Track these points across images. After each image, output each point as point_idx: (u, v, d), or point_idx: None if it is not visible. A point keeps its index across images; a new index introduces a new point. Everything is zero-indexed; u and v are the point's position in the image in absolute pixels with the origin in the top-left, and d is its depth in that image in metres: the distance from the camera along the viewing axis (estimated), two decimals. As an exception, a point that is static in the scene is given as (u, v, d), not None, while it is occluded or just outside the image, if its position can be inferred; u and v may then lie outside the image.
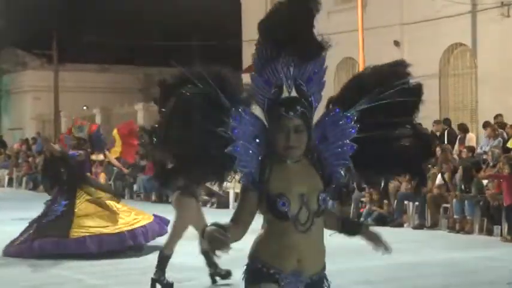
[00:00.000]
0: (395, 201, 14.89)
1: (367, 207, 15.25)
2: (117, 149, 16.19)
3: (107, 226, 10.89)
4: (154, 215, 11.77)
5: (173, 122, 3.55)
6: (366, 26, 18.04)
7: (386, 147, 3.69)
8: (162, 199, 20.23)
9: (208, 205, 18.68)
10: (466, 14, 20.28)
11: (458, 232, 13.84)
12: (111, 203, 11.39)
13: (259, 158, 3.55)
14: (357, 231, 3.86)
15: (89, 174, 11.93)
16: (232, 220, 3.67)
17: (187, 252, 11.33)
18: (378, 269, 9.76)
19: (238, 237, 3.66)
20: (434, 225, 14.51)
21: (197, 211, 8.78)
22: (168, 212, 15.62)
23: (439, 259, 10.84)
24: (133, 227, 11.02)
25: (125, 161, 18.80)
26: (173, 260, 10.51)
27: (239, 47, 29.07)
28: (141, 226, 11.12)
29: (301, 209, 3.55)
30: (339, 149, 3.67)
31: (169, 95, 3.75)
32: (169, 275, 9.46)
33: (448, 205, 14.39)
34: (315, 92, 3.76)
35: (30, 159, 27.88)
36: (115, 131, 16.70)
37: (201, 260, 10.42)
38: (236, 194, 18.23)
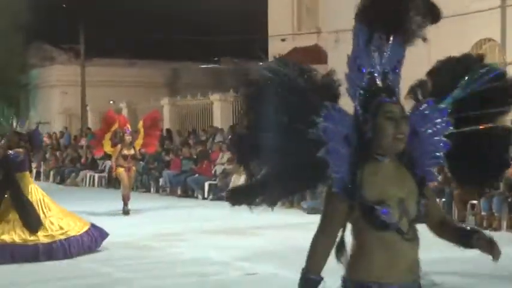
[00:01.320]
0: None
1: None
2: (139, 141, 16.30)
3: (21, 235, 9.94)
4: (92, 225, 10.90)
5: (262, 125, 3.14)
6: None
7: (480, 144, 3.31)
8: (187, 193, 20.26)
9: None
10: (495, 9, 20.08)
11: (485, 229, 13.70)
12: (44, 204, 10.49)
13: (350, 160, 3.13)
14: (473, 241, 3.36)
15: (28, 173, 11.02)
16: (322, 233, 3.29)
17: (214, 246, 11.38)
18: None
19: (329, 254, 3.34)
20: (461, 222, 14.39)
21: None
22: (193, 207, 15.76)
23: (469, 256, 10.72)
24: (53, 239, 10.04)
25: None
26: (200, 255, 10.57)
27: (265, 42, 29.03)
28: (64, 239, 10.12)
29: (402, 216, 3.14)
30: (432, 147, 3.26)
31: (256, 93, 3.24)
32: (195, 269, 9.50)
33: (475, 202, 14.27)
34: (396, 84, 3.30)
35: (57, 153, 28.07)
36: (140, 123, 16.82)
37: (227, 254, 10.46)
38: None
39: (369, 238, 3.15)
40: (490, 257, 3.32)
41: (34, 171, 27.94)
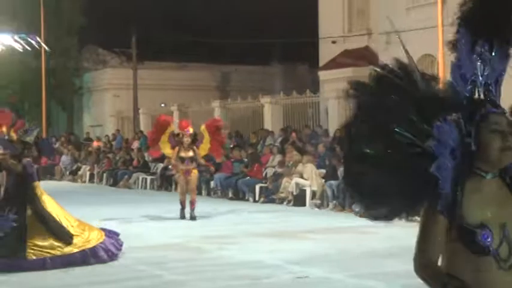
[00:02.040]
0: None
1: None
2: (205, 146, 15.97)
3: (66, 246, 9.79)
4: (103, 229, 10.74)
5: (370, 132, 2.96)
6: (446, 21, 17.66)
7: None
8: (238, 196, 20.31)
9: (284, 203, 18.67)
10: None
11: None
12: (62, 216, 10.16)
13: (453, 176, 2.87)
14: None
15: (39, 183, 10.42)
16: (423, 251, 2.99)
17: (266, 249, 11.38)
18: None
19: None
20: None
21: None
22: (244, 210, 15.78)
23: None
24: (91, 244, 9.96)
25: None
26: (251, 257, 10.58)
27: (316, 45, 28.96)
28: (100, 242, 10.08)
29: (502, 242, 2.87)
30: None
31: (370, 94, 3.08)
32: (247, 272, 9.51)
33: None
34: (498, 97, 3.02)
35: (110, 156, 28.41)
36: (203, 127, 16.45)
37: (278, 257, 10.45)
38: (312, 192, 18.17)
39: (462, 261, 2.92)
40: None
41: (88, 173, 28.53)
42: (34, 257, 9.54)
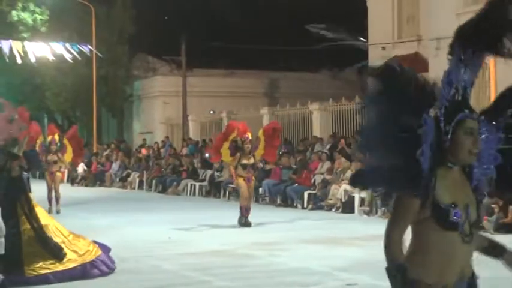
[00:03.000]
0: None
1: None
2: (260, 151, 15.84)
3: (66, 261, 9.46)
4: (94, 241, 10.26)
5: (380, 122, 3.46)
6: (498, 27, 17.42)
7: None
8: (287, 203, 20.29)
9: (333, 210, 18.60)
10: None
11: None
12: (58, 230, 9.81)
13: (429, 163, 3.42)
14: (501, 255, 3.75)
15: (30, 195, 9.94)
16: (397, 225, 3.58)
17: (314, 256, 11.35)
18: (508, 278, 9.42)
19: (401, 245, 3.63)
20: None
21: None
22: (292, 216, 15.75)
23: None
24: (92, 257, 9.68)
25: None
26: (300, 264, 10.56)
27: (365, 51, 28.80)
28: (98, 256, 9.79)
29: (465, 219, 3.47)
30: (485, 159, 3.61)
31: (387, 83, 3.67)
32: (295, 278, 9.50)
33: None
34: (469, 99, 3.67)
35: (162, 162, 28.62)
36: (260, 132, 16.31)
37: (327, 264, 10.42)
38: (361, 199, 18.07)
39: (430, 238, 3.46)
40: None
41: (137, 180, 28.83)
42: (34, 274, 9.25)
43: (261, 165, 16.44)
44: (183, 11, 38.86)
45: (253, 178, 15.92)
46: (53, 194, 18.94)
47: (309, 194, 19.72)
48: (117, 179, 30.27)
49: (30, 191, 10.11)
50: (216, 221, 16.22)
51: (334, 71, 37.56)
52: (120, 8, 38.06)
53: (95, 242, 10.24)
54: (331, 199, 18.82)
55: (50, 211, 18.50)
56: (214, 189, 24.09)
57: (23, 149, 10.40)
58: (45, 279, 9.25)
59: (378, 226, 16.34)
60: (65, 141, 19.55)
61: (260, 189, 21.64)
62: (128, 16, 38.14)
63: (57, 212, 18.55)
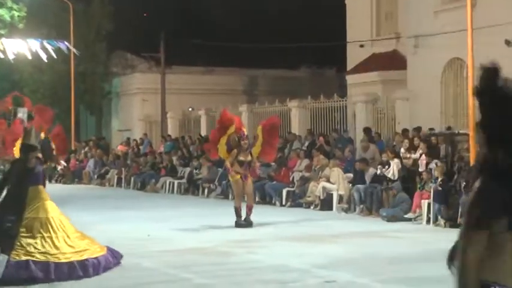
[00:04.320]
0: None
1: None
2: (257, 148, 15.28)
3: (55, 254, 9.40)
4: (107, 247, 10.23)
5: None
6: (476, 25, 17.57)
7: None
8: (265, 200, 20.28)
9: (311, 207, 18.65)
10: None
11: None
12: (63, 224, 9.80)
13: None
14: None
15: (41, 187, 10.04)
16: (477, 252, 3.49)
17: (293, 254, 11.39)
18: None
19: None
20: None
21: None
22: (271, 214, 15.74)
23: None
24: (83, 257, 9.55)
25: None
26: (278, 262, 10.59)
27: (344, 48, 28.90)
28: (94, 258, 9.65)
29: None
30: None
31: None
32: (274, 276, 9.53)
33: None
34: None
35: (140, 160, 28.50)
36: (259, 128, 15.76)
37: (305, 262, 10.46)
38: (339, 197, 18.14)
39: (507, 247, 3.43)
40: None
41: (116, 177, 28.72)
42: (17, 258, 9.19)
43: (258, 164, 15.91)
44: (161, 8, 38.77)
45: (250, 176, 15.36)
46: None
47: (288, 192, 19.76)
48: (95, 176, 30.13)
49: (44, 185, 10.18)
50: (195, 219, 16.21)
51: (312, 69, 37.74)
52: (98, 4, 37.89)
53: (108, 247, 10.14)
54: (309, 196, 18.87)
55: None
56: (193, 187, 24.07)
57: (37, 140, 10.54)
58: (23, 266, 9.15)
59: (356, 223, 16.53)
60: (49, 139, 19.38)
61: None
62: (106, 13, 37.95)
63: None
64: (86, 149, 33.28)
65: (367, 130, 21.89)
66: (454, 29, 19.99)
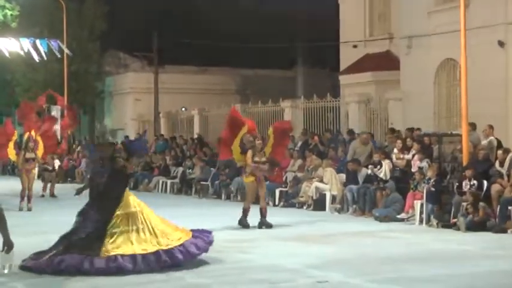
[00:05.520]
0: (498, 206, 14.44)
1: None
2: (268, 148, 15.03)
3: (141, 245, 9.88)
4: (192, 230, 10.66)
5: None
6: (469, 26, 17.59)
7: None
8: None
9: (304, 207, 18.64)
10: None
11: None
12: (148, 217, 10.27)
13: None
14: None
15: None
16: None
17: (285, 254, 11.38)
18: (482, 275, 9.54)
19: None
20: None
21: None
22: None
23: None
24: (169, 246, 9.97)
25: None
26: (271, 261, 10.58)
27: (337, 49, 28.92)
28: (179, 245, 10.04)
29: None
30: None
31: None
32: (266, 276, 9.51)
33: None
34: None
35: (133, 159, 28.38)
36: (270, 130, 15.54)
37: (298, 262, 10.44)
38: (332, 197, 18.14)
39: None
40: None
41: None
42: (106, 255, 9.68)
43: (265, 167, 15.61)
44: (155, 7, 38.71)
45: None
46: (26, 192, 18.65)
47: (281, 192, 19.75)
48: (88, 176, 30.00)
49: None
50: (188, 219, 16.13)
51: (305, 69, 37.75)
52: (91, 4, 37.84)
53: (193, 230, 10.56)
54: (302, 196, 18.86)
55: (21, 209, 18.31)
56: (186, 187, 24.04)
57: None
58: (113, 260, 9.61)
59: (349, 224, 16.52)
60: (37, 138, 19.39)
61: (231, 187, 21.63)
62: (99, 12, 37.90)
63: (29, 209, 18.35)
64: (79, 148, 33.19)
65: (350, 132, 21.93)
66: (447, 29, 20.02)
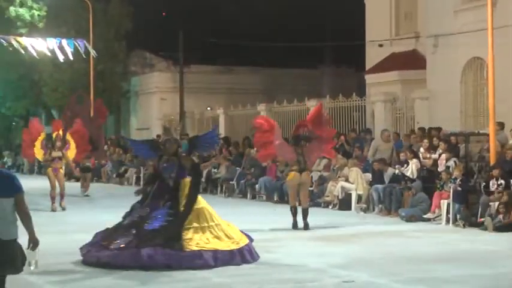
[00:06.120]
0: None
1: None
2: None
3: (218, 242, 10.18)
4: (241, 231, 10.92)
5: None
6: (496, 24, 17.41)
7: None
8: (284, 200, 20.25)
9: (330, 207, 18.59)
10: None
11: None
12: (212, 214, 10.59)
13: None
14: None
15: (188, 179, 10.76)
16: None
17: (311, 253, 11.35)
18: (509, 276, 9.47)
19: None
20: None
21: None
22: (290, 213, 15.67)
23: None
24: (239, 245, 10.31)
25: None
26: (296, 261, 10.55)
27: (363, 48, 28.80)
28: (245, 245, 10.42)
29: None
30: None
31: None
32: (292, 275, 9.49)
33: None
34: None
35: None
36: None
37: (323, 261, 10.42)
38: (358, 196, 18.07)
39: None
40: None
41: (134, 176, 28.78)
42: (190, 249, 9.91)
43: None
44: (180, 7, 38.79)
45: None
46: (57, 190, 18.66)
47: (306, 191, 19.69)
48: (114, 175, 30.20)
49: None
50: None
51: (331, 68, 37.64)
52: (117, 4, 38.01)
53: (241, 231, 10.84)
54: (328, 196, 18.81)
55: (53, 209, 18.34)
56: (211, 186, 24.06)
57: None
58: (198, 255, 9.85)
59: (375, 223, 16.43)
60: (68, 137, 19.42)
61: (257, 186, 21.63)
62: (125, 12, 38.07)
63: (63, 208, 18.40)
64: (105, 147, 33.36)
65: (367, 131, 21.99)
66: (474, 28, 19.85)
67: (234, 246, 10.23)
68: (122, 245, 9.97)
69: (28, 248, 6.15)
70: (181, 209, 10.32)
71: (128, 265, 9.71)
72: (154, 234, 9.99)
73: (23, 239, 6.27)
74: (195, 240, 10.07)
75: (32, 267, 6.24)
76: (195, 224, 10.25)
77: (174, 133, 11.25)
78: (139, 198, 11.10)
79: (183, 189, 10.55)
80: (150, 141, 12.08)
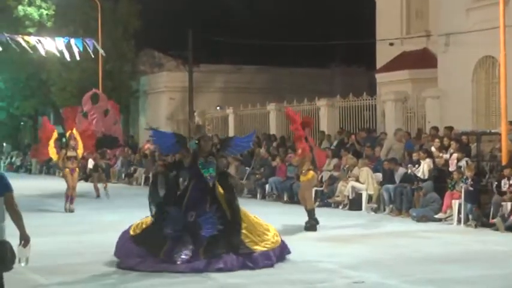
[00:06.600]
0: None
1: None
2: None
3: (262, 242, 10.19)
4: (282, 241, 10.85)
5: None
6: (508, 22, 17.23)
7: None
8: (293, 200, 20.13)
9: (340, 207, 18.46)
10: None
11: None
12: (247, 214, 10.67)
13: None
14: None
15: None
16: None
17: (321, 254, 11.24)
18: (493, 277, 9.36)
19: None
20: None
21: None
22: (299, 214, 15.60)
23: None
24: (274, 245, 10.30)
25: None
26: (306, 262, 10.44)
27: (373, 47, 28.63)
28: (278, 245, 10.42)
29: None
30: None
31: None
32: (302, 276, 9.38)
33: None
34: None
35: (168, 158, 28.40)
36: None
37: (334, 262, 10.30)
38: (369, 196, 17.94)
39: None
40: None
41: (143, 176, 28.71)
42: (259, 250, 9.96)
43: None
44: (189, 6, 38.75)
45: None
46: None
47: (316, 191, 19.55)
48: (123, 175, 30.17)
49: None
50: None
51: (341, 67, 37.50)
52: (125, 2, 38.00)
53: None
54: (338, 196, 18.69)
55: (70, 209, 18.16)
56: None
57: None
58: (267, 256, 9.96)
59: (386, 223, 16.28)
60: (76, 136, 19.35)
61: (267, 187, 21.53)
62: (134, 11, 38.05)
63: (71, 211, 18.19)
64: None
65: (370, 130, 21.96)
66: (486, 26, 19.67)
67: (278, 239, 10.38)
68: (188, 256, 9.79)
69: (20, 245, 6.17)
70: (227, 211, 10.33)
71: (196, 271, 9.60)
72: (214, 241, 9.91)
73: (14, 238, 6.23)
74: (254, 241, 10.13)
75: (22, 264, 6.28)
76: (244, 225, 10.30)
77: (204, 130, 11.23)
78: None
79: (219, 189, 10.56)
80: (178, 135, 11.73)
